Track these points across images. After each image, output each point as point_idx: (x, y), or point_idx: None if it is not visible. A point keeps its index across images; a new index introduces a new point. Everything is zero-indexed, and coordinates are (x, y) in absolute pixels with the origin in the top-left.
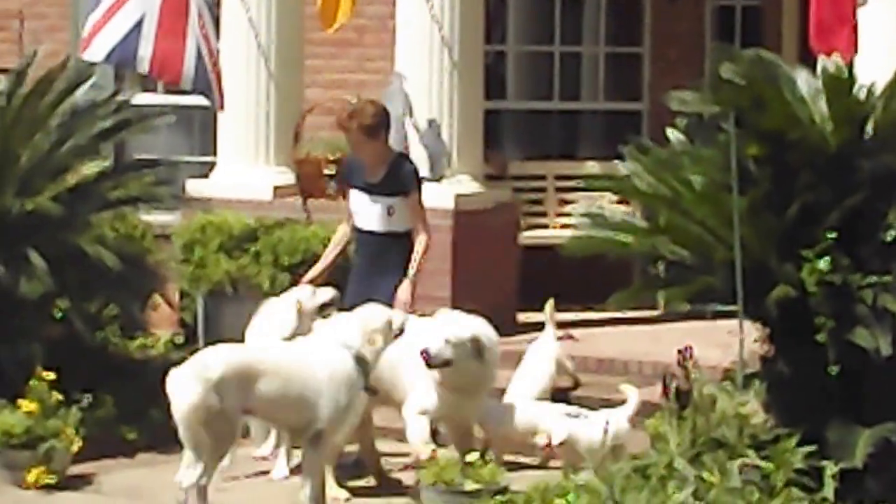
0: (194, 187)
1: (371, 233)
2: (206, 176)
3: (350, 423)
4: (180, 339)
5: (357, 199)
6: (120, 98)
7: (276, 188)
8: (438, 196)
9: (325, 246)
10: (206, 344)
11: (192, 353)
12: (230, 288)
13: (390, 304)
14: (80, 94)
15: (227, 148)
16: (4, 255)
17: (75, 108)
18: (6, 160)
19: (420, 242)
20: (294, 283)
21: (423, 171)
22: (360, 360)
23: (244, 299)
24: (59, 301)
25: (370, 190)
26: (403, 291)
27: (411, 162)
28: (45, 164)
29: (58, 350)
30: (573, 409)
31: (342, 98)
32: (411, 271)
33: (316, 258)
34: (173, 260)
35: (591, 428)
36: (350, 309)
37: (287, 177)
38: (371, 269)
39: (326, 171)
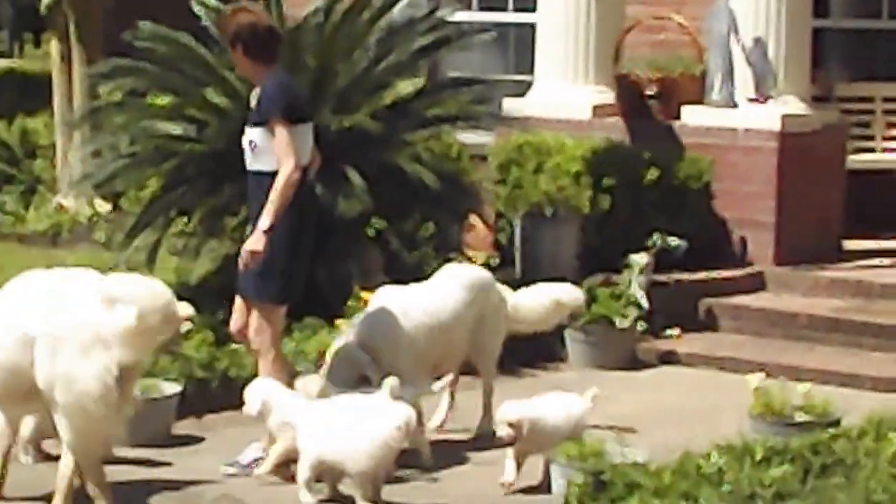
0: (511, 106)
1: (248, 172)
2: (521, 95)
3: None
4: (496, 262)
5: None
6: (438, 15)
7: (595, 107)
8: (764, 117)
9: (650, 168)
10: (523, 267)
11: (507, 276)
12: (548, 209)
13: None
14: (398, 10)
15: (546, 66)
16: (322, 174)
17: (393, 24)
18: (324, 77)
19: (278, 177)
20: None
21: (749, 91)
22: None
23: (563, 221)
24: (375, 220)
25: (247, 120)
26: (249, 241)
27: (280, 83)
28: (363, 82)
29: (373, 269)
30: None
31: (663, 15)
32: (263, 216)
33: (635, 182)
34: (489, 180)
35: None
36: None
37: (606, 96)
38: (252, 220)
39: (647, 91)
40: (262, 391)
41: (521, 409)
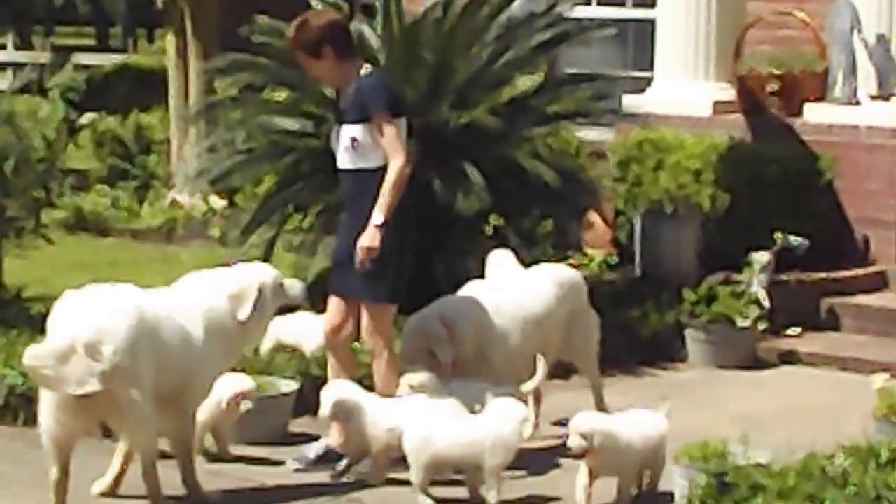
0: (631, 103)
1: (343, 171)
2: (641, 91)
3: None
4: (614, 260)
5: (333, 135)
6: (557, 10)
7: (715, 104)
8: (887, 114)
9: (771, 166)
10: (643, 265)
11: (626, 275)
12: (669, 207)
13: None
14: (517, 5)
15: (666, 62)
16: (441, 170)
17: (512, 20)
18: (443, 73)
19: (390, 172)
20: (732, 205)
21: (871, 88)
22: None
23: (683, 219)
24: (493, 217)
25: (338, 119)
26: (364, 237)
27: (380, 79)
28: (482, 77)
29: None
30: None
31: (785, 11)
32: (376, 211)
33: (756, 180)
34: (608, 177)
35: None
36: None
37: (727, 93)
38: (348, 219)
39: (769, 88)
40: (339, 393)
41: (593, 421)
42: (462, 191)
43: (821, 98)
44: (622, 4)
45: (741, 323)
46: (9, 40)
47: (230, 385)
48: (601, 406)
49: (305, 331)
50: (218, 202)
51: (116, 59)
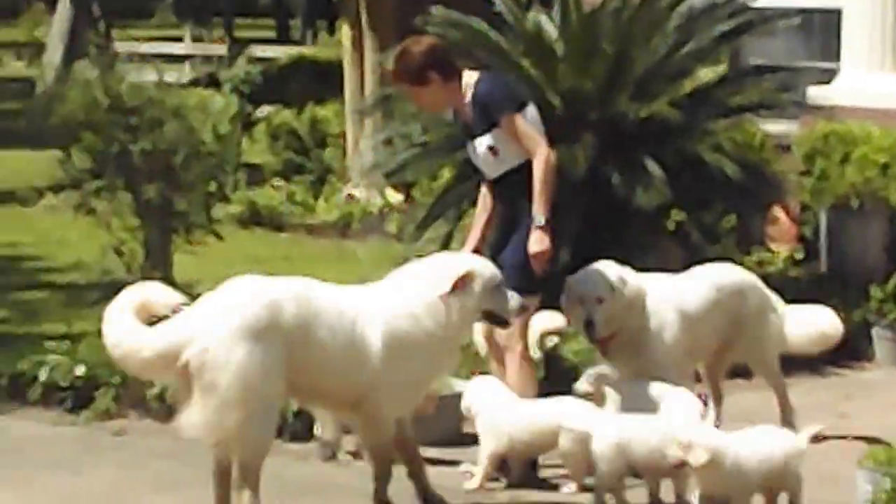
0: (816, 94)
1: (491, 183)
2: (827, 82)
3: None
4: (800, 255)
5: (469, 150)
6: (740, 0)
7: None
8: None
9: None
10: (829, 261)
11: (812, 271)
12: (855, 202)
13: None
14: None
15: (852, 53)
16: (620, 163)
17: (693, 10)
18: (622, 64)
19: (537, 166)
20: None
21: None
22: None
23: (870, 214)
24: (674, 212)
25: (468, 134)
26: (531, 244)
27: (490, 80)
28: (662, 69)
29: (672, 262)
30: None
31: None
32: (535, 213)
33: None
34: (793, 171)
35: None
36: None
37: None
38: (505, 225)
39: None
40: (476, 388)
41: (697, 434)
42: (641, 185)
43: None
44: None
45: None
46: (186, 33)
47: None
48: (785, 407)
49: None
50: (394, 196)
51: (292, 51)
